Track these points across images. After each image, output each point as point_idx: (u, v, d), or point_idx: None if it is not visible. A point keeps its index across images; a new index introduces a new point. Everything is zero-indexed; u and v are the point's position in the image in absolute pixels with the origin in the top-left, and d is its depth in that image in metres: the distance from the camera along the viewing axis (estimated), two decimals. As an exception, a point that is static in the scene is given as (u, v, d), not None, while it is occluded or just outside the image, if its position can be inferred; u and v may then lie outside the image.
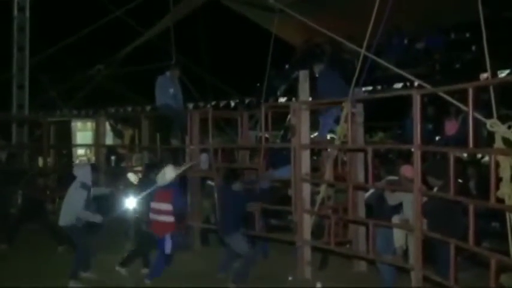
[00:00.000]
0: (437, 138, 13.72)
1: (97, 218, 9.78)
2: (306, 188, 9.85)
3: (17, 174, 14.18)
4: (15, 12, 20.17)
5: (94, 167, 10.46)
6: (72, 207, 9.64)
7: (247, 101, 21.40)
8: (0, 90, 20.62)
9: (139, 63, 21.49)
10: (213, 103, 21.41)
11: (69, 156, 19.92)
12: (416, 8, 16.55)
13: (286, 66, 20.99)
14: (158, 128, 15.21)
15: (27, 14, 20.20)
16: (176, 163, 11.27)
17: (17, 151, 17.69)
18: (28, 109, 19.84)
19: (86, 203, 9.67)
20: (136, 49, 21.47)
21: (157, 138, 15.20)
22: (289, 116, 10.46)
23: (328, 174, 10.12)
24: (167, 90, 13.16)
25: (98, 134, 15.30)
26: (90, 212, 9.77)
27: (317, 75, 11.50)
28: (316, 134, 12.15)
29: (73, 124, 20.83)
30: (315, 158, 12.27)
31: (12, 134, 19.50)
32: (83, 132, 20.76)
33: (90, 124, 19.72)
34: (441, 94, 8.17)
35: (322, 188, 10.02)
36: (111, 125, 16.61)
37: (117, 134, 17.05)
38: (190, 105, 20.42)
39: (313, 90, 11.10)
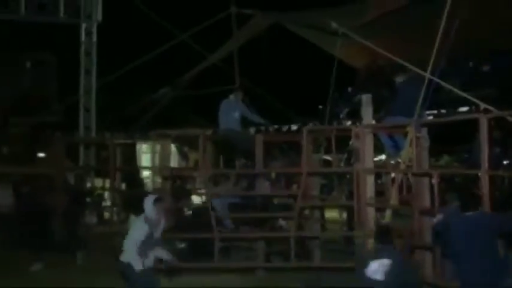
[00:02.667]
0: (505, 162, 13.45)
1: (166, 255, 8.71)
2: (371, 212, 9.77)
3: (84, 195, 14.37)
4: (83, 37, 20.67)
5: (158, 200, 8.84)
6: (132, 242, 8.38)
7: (309, 124, 21.35)
8: (67, 113, 21.14)
9: (203, 86, 21.67)
10: (276, 126, 21.44)
11: (135, 178, 20.17)
12: (482, 30, 16.29)
13: (349, 89, 20.89)
14: (222, 151, 15.28)
15: (94, 39, 20.68)
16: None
17: (84, 172, 17.88)
18: (95, 131, 20.41)
19: (146, 239, 8.38)
20: (200, 72, 21.68)
21: (221, 161, 15.27)
22: (352, 140, 10.41)
23: (393, 198, 10.01)
24: (231, 114, 13.22)
25: (163, 157, 15.45)
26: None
27: (386, 95, 11.39)
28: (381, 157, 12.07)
29: (138, 146, 21.08)
30: (379, 181, 12.17)
31: (80, 156, 19.89)
32: (148, 155, 20.98)
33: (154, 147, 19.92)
34: (509, 118, 8.03)
35: (387, 213, 9.92)
36: (177, 147, 16.76)
37: (183, 156, 17.20)
38: (252, 130, 20.50)
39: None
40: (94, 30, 20.82)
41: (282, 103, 21.14)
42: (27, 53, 21.60)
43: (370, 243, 9.66)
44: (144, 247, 8.18)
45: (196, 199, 13.90)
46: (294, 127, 22.09)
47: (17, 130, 20.55)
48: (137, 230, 8.36)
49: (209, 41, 20.22)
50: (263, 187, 12.35)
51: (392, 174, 10.41)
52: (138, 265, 8.07)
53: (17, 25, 21.53)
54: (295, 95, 23.04)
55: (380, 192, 10.95)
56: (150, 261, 8.33)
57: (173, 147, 16.16)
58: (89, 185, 17.39)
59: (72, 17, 20.94)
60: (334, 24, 13.02)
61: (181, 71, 22.15)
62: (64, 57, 21.71)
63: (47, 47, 22.08)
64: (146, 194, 11.47)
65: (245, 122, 13.94)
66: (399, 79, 11.35)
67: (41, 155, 22.11)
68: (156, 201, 8.59)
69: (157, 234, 8.47)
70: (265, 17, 17.03)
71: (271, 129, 19.55)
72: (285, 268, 11.04)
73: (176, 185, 15.49)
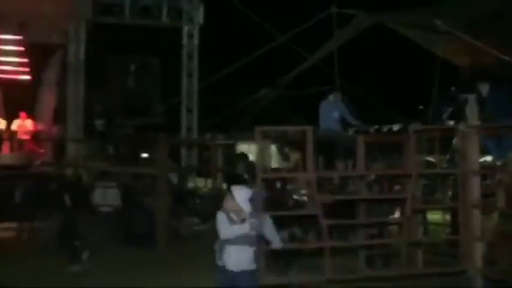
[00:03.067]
0: None
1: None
2: (476, 215, 9.50)
3: (187, 195, 14.60)
4: (185, 40, 21.01)
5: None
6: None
7: (411, 124, 20.91)
8: (170, 114, 21.57)
9: (302, 86, 21.62)
10: (376, 127, 21.10)
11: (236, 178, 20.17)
12: None
13: (452, 88, 20.35)
14: (321, 152, 15.19)
15: (196, 41, 21.00)
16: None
17: (186, 173, 18.20)
18: (197, 132, 20.89)
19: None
20: (300, 72, 21.64)
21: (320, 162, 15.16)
22: (454, 139, 10.16)
23: (500, 201, 9.71)
24: (331, 114, 13.18)
25: (262, 157, 15.48)
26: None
27: (484, 96, 11.10)
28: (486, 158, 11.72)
29: (238, 147, 21.27)
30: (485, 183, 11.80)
31: (182, 156, 20.25)
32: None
33: (254, 147, 20.01)
34: None
35: (494, 216, 9.63)
36: (277, 147, 16.78)
37: (284, 156, 17.20)
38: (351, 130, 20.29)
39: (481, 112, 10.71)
40: (196, 33, 21.18)
41: (382, 103, 20.84)
42: (132, 56, 22.08)
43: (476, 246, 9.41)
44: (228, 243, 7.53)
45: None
46: (395, 127, 21.69)
47: (122, 131, 21.02)
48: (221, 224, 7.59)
49: (309, 41, 20.19)
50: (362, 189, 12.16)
51: (499, 176, 10.09)
52: (217, 259, 7.58)
53: (121, 29, 22.07)
54: (395, 95, 22.63)
55: (486, 195, 10.61)
56: (235, 260, 7.52)
57: (274, 148, 16.13)
58: (191, 185, 17.66)
59: (174, 20, 21.31)
60: (438, 22, 12.74)
61: (281, 72, 22.18)
62: (166, 60, 22.08)
63: (151, 50, 22.54)
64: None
65: (345, 123, 13.85)
66: (483, 89, 11.10)
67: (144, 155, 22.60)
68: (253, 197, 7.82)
69: (251, 232, 7.91)
70: (368, 17, 16.84)
71: (371, 129, 19.27)
72: (388, 276, 10.68)
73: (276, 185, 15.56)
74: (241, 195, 7.58)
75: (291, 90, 22.33)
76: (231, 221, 7.48)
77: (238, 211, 7.45)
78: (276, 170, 16.74)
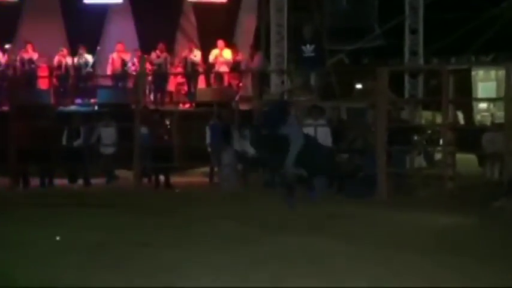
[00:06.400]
0: None
1: None
2: None
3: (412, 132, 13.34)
4: None
5: None
6: None
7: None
8: (391, 36, 19.12)
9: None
10: None
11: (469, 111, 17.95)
12: None
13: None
14: None
15: None
16: None
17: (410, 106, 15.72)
18: (423, 57, 18.41)
19: None
20: None
21: None
22: None
23: None
24: None
25: (508, 85, 12.16)
26: None
27: None
28: None
29: (473, 73, 19.52)
30: None
31: (405, 86, 18.12)
32: (485, 83, 19.66)
33: (494, 73, 17.38)
34: None
35: None
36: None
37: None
38: None
39: None
40: None
41: None
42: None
43: None
44: None
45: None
46: None
47: (334, 59, 18.96)
48: None
49: None
50: None
51: None
52: None
53: None
54: None
55: None
56: None
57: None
58: (416, 120, 15.74)
59: None
60: None
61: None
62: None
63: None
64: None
65: None
66: None
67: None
68: None
69: None
70: None
71: None
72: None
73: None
74: None
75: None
76: None
77: None
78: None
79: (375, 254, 6.95)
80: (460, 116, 19.95)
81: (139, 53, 18.00)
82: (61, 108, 16.79)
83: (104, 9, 19.82)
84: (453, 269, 6.30)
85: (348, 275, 6.04)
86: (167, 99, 18.14)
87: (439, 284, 5.75)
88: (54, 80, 18.62)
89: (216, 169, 14.08)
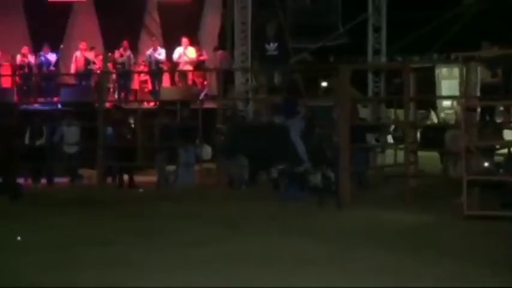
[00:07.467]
0: None
1: None
2: None
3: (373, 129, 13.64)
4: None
5: None
6: None
7: None
8: (354, 34, 19.10)
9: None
10: None
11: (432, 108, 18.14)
12: None
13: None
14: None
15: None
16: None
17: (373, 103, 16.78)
18: (385, 55, 18.62)
19: None
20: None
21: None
22: None
23: None
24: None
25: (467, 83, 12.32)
26: None
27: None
28: None
29: (437, 71, 19.51)
30: None
31: (368, 84, 18.23)
32: (449, 81, 19.64)
33: (458, 70, 17.63)
34: None
35: None
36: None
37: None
38: None
39: None
40: None
41: None
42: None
43: None
44: None
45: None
46: None
47: (298, 57, 18.97)
48: None
49: None
50: None
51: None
52: None
53: None
54: None
55: None
56: None
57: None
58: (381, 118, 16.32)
59: None
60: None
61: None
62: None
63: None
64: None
65: None
66: None
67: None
68: None
69: None
70: None
71: None
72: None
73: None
74: None
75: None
76: None
77: None
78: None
79: (331, 252, 7.02)
80: (434, 116, 20.02)
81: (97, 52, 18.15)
82: (24, 106, 16.55)
83: (67, 7, 19.61)
84: (416, 265, 6.42)
85: (298, 275, 6.10)
86: (131, 98, 18.04)
87: (401, 282, 5.82)
88: (17, 78, 18.43)
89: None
